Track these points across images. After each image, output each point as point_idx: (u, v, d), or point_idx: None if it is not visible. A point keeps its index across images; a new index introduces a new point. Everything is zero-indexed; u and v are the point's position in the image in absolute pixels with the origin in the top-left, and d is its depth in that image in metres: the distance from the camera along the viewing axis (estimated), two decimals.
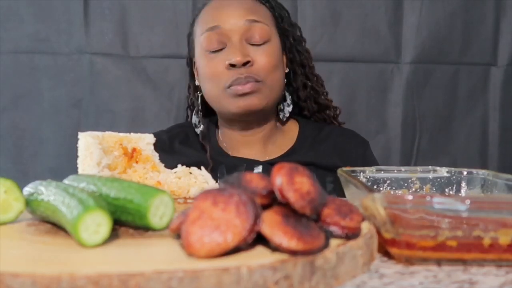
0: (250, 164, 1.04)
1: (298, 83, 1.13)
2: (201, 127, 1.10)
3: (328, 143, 1.09)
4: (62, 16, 1.49)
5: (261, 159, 1.06)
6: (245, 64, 0.98)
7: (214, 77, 1.01)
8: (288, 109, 1.10)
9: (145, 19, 1.51)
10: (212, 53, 1.01)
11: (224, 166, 1.04)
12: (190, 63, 1.15)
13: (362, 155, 1.10)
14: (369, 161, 1.08)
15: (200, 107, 1.12)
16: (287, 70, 1.11)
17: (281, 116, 1.09)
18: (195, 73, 1.13)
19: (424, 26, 1.54)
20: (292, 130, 1.13)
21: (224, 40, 1.00)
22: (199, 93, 1.11)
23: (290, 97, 1.12)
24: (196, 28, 1.07)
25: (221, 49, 1.01)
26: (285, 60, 1.10)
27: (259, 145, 1.08)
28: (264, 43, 1.01)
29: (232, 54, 0.98)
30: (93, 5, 1.49)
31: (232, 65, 0.98)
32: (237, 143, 1.09)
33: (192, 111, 1.16)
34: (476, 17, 1.55)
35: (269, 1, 1.07)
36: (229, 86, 0.99)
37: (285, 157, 1.06)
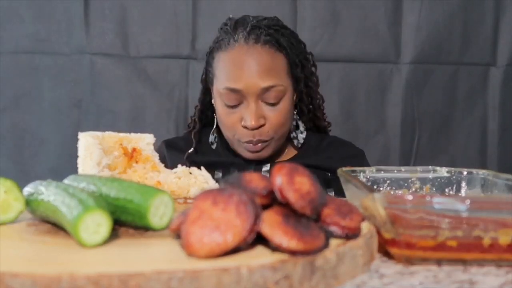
0: (258, 164, 1.11)
1: (304, 118, 1.19)
2: (215, 145, 1.17)
3: (330, 151, 1.16)
4: (62, 16, 1.50)
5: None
6: (258, 127, 1.05)
7: (230, 129, 1.08)
8: (302, 135, 1.16)
9: (145, 19, 1.51)
10: (229, 107, 1.07)
11: (236, 168, 1.11)
12: (205, 82, 1.16)
13: (360, 164, 1.13)
14: None
15: (215, 126, 1.16)
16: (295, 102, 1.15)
17: (295, 143, 1.16)
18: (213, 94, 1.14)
19: (424, 26, 1.54)
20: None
21: (242, 98, 1.05)
22: (215, 114, 1.14)
23: (303, 125, 1.17)
24: (215, 68, 1.09)
25: (238, 104, 1.06)
26: (294, 97, 1.13)
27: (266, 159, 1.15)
28: (277, 103, 1.06)
29: (247, 116, 1.04)
30: (93, 5, 1.50)
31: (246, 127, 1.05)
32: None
33: (194, 127, 1.19)
34: (475, 17, 1.55)
35: (286, 47, 1.08)
36: (243, 142, 1.07)
37: (290, 161, 1.12)
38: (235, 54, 1.06)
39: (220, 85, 1.07)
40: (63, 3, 1.49)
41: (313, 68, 1.17)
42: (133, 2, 1.50)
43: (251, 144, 1.06)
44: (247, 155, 1.09)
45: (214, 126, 1.16)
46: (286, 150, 1.17)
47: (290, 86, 1.09)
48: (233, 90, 1.04)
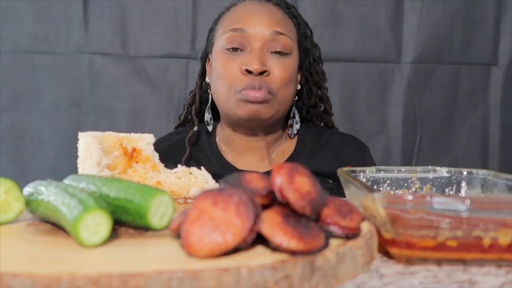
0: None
1: (312, 101, 1.14)
2: (211, 126, 1.10)
3: (327, 150, 1.09)
4: (61, 16, 1.50)
5: (261, 170, 1.04)
6: (261, 73, 0.98)
7: (227, 79, 1.01)
8: (297, 126, 1.10)
9: (145, 19, 1.51)
10: (231, 53, 1.01)
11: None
12: (205, 58, 1.13)
13: (361, 161, 1.08)
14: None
15: (210, 104, 1.10)
16: (299, 87, 1.11)
17: (289, 133, 1.10)
18: (208, 70, 1.12)
19: (425, 26, 1.54)
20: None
21: (246, 43, 1.00)
22: (210, 90, 1.10)
23: (298, 115, 1.12)
24: (219, 27, 1.06)
25: (240, 51, 1.00)
26: (299, 78, 1.10)
27: (261, 152, 1.09)
28: (284, 55, 1.01)
29: (250, 60, 0.98)
30: (93, 5, 1.50)
31: (249, 72, 0.98)
32: (240, 147, 1.09)
33: (191, 108, 1.14)
34: (476, 17, 1.55)
35: (296, 17, 1.07)
36: (241, 91, 0.99)
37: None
38: (245, 5, 1.04)
39: (223, 31, 1.02)
40: (63, 3, 1.49)
41: (319, 61, 1.14)
42: (132, 1, 1.50)
43: (251, 91, 0.97)
44: (244, 110, 0.99)
45: (209, 102, 1.10)
46: (282, 140, 1.10)
47: (297, 51, 1.05)
48: (237, 30, 0.99)
